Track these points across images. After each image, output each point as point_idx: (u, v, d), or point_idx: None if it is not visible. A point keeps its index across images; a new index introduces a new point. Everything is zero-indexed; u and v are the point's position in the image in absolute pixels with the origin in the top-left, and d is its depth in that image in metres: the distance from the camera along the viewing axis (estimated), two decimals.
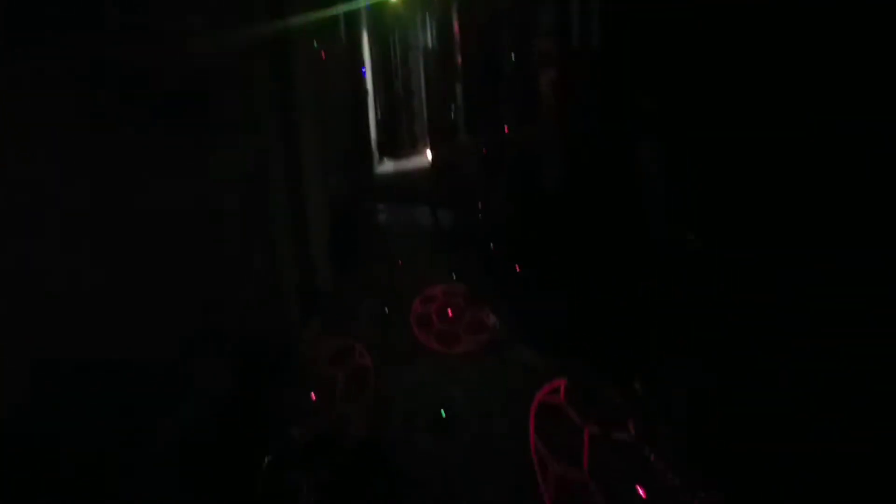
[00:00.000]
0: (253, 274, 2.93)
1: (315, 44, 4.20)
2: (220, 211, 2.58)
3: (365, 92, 5.51)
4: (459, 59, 4.97)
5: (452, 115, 5.10)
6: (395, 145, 5.89)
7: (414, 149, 5.82)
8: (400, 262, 4.28)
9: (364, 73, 5.59)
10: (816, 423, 2.14)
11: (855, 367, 2.01)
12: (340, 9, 4.81)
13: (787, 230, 2.28)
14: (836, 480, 2.02)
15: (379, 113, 5.96)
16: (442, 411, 2.98)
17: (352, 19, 5.39)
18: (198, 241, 2.41)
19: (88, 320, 1.76)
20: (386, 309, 3.77)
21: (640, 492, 2.46)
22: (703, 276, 2.74)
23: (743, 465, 2.40)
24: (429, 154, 5.52)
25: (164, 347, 2.13)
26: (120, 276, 1.90)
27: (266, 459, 2.63)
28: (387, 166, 5.76)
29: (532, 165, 4.09)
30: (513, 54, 4.25)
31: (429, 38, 5.94)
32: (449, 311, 3.74)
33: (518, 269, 4.02)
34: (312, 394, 3.08)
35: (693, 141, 2.75)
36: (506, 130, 4.29)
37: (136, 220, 2.00)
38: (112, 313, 1.85)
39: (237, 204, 2.77)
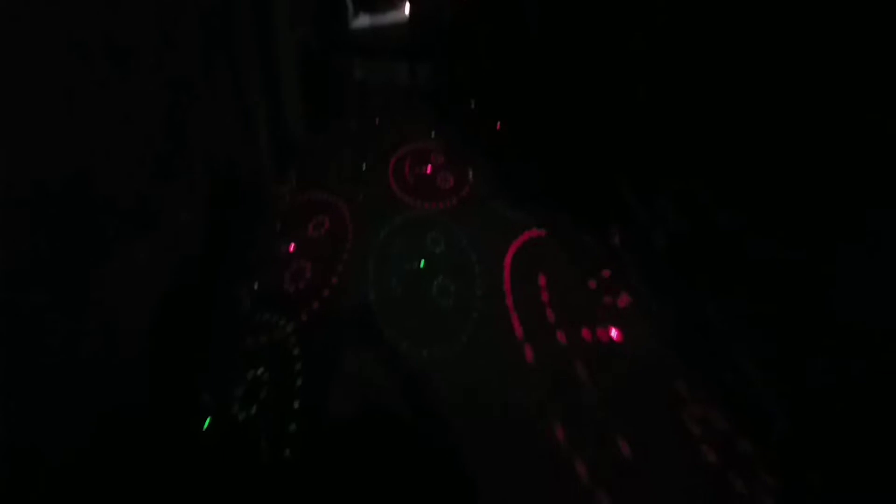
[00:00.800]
0: (220, 115, 2.80)
1: None
2: (177, 41, 2.41)
3: None
4: None
5: None
6: None
7: (391, 1, 5.47)
8: (377, 118, 4.14)
9: None
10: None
11: None
12: None
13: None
14: None
15: None
16: (421, 262, 3.00)
17: None
18: (156, 72, 2.26)
19: (45, 140, 1.67)
20: (363, 165, 3.69)
21: (614, 333, 2.55)
22: (686, 126, 2.69)
23: (725, 307, 2.48)
24: (407, 6, 5.19)
25: (127, 176, 2.05)
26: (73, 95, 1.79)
27: (243, 304, 2.66)
28: (362, 20, 5.42)
29: (515, 16, 3.88)
30: None
31: None
32: (428, 167, 3.67)
33: (499, 127, 3.93)
34: (292, 245, 3.07)
35: None
36: None
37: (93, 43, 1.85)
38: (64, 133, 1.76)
39: (198, 42, 2.59)
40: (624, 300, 2.71)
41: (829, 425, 2.06)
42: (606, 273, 2.83)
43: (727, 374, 2.32)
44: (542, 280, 2.86)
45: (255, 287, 2.78)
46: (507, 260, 2.97)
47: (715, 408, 2.27)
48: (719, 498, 2.05)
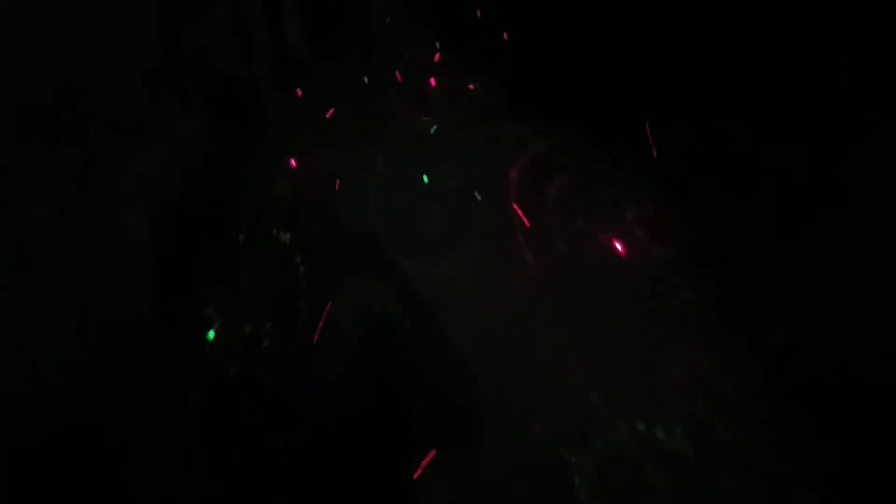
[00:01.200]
0: (215, 25, 2.70)
1: None
2: None
3: None
4: None
5: None
6: None
7: None
8: (379, 29, 3.98)
9: None
10: None
11: None
12: None
13: None
14: None
15: None
16: (424, 177, 2.95)
17: None
18: None
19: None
20: (365, 79, 3.58)
21: (618, 246, 2.53)
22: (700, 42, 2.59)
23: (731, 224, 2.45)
24: None
25: (119, 85, 2.00)
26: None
27: (248, 214, 2.63)
28: None
29: None
30: None
31: None
32: (432, 80, 3.56)
33: (506, 38, 3.77)
34: (292, 160, 3.02)
35: None
36: None
37: None
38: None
39: None
40: (632, 215, 2.67)
41: (829, 340, 2.06)
42: (614, 188, 2.78)
43: (732, 285, 2.31)
44: (547, 194, 2.82)
45: (256, 201, 2.75)
46: (513, 175, 2.92)
47: (714, 321, 2.26)
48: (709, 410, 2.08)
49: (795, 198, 2.19)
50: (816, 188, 2.11)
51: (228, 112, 2.78)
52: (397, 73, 3.62)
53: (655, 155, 2.72)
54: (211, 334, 2.24)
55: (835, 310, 2.04)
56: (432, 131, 3.22)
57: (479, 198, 2.84)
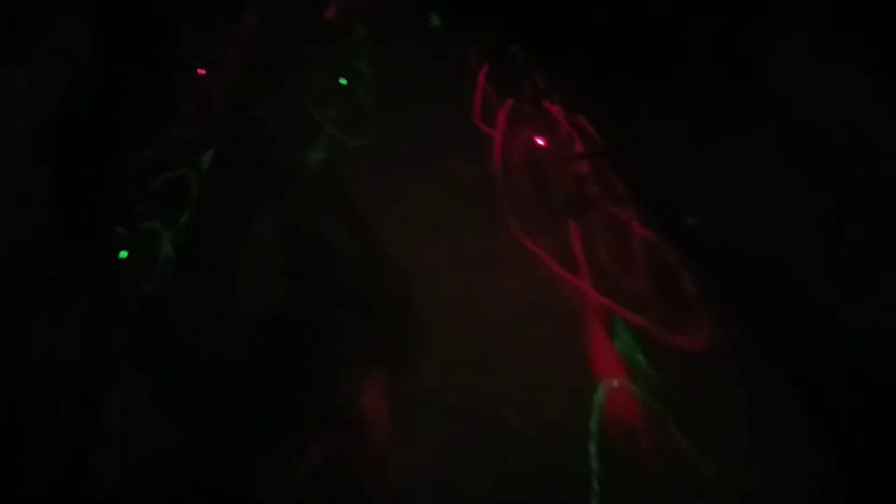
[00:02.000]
0: None
1: None
2: None
3: None
4: None
5: None
6: None
7: None
8: None
9: None
10: None
11: None
12: None
13: None
14: None
15: None
16: (342, 80, 2.82)
17: None
18: None
19: None
20: None
21: (540, 142, 2.50)
22: None
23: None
24: None
25: None
26: None
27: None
28: None
29: None
30: None
31: None
32: None
33: None
34: (200, 69, 2.83)
35: None
36: None
37: None
38: None
39: None
40: (552, 108, 2.62)
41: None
42: (535, 81, 2.72)
43: (647, 172, 2.31)
44: (476, 93, 2.75)
45: (163, 113, 2.58)
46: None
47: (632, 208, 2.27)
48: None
49: (708, 82, 2.19)
50: (728, 73, 2.11)
51: (126, 15, 2.55)
52: None
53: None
54: (123, 254, 2.15)
55: (746, 195, 2.05)
56: (356, 36, 3.06)
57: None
